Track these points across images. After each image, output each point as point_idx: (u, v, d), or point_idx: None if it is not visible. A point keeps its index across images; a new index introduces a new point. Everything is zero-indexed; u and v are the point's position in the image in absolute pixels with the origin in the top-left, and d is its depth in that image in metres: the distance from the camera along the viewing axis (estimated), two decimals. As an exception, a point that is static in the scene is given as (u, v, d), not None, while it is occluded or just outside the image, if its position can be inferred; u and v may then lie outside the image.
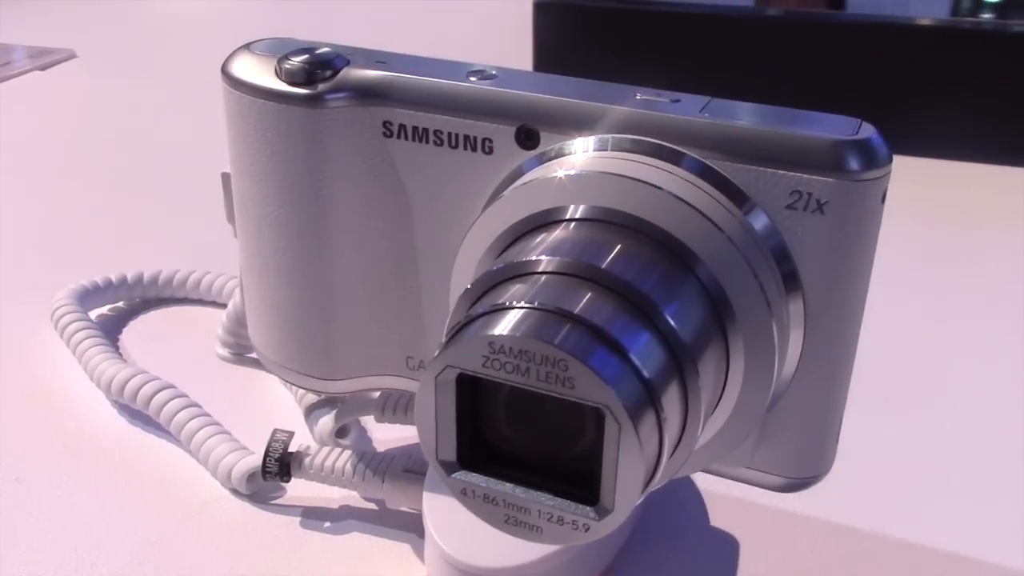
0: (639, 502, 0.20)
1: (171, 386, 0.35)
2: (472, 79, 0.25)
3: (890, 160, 0.22)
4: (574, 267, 0.21)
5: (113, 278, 0.42)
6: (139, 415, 0.35)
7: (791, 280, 0.23)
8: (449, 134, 0.25)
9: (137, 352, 0.40)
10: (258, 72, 0.26)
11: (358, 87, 0.25)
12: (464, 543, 0.27)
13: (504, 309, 0.20)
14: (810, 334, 0.24)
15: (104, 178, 0.57)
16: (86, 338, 0.37)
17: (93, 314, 0.41)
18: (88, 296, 0.40)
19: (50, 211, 0.53)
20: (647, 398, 0.20)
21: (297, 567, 0.30)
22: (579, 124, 0.24)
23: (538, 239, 0.22)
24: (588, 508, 0.20)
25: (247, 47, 0.27)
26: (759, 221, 0.23)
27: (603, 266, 0.21)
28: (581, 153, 0.24)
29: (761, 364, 0.23)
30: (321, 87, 0.25)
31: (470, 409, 0.21)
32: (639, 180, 0.22)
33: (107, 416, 0.36)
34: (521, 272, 0.21)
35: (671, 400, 0.20)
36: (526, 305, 0.20)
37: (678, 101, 0.24)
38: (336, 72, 0.25)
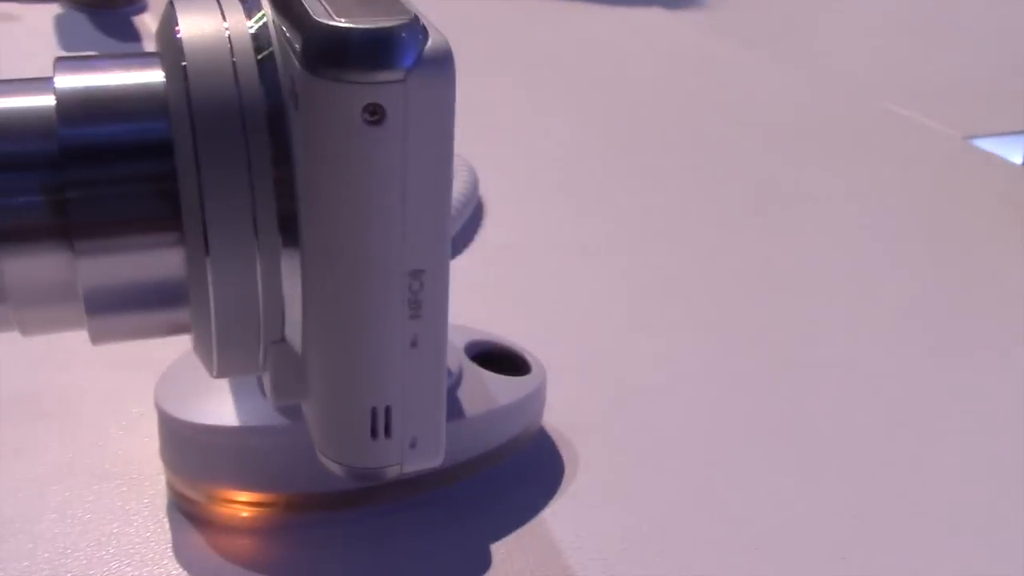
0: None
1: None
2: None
3: (391, 69, 0.17)
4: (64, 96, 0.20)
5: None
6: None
7: (289, 202, 0.19)
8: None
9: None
10: None
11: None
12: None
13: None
14: (306, 272, 0.19)
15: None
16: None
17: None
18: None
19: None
20: None
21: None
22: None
23: None
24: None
25: None
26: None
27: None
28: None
29: (202, 287, 0.19)
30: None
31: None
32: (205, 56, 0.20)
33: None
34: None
35: (40, 253, 0.19)
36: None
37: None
38: None
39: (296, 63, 0.17)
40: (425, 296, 0.19)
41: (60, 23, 0.63)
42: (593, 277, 0.40)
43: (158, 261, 0.20)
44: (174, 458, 0.26)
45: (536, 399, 0.29)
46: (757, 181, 0.49)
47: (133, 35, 0.62)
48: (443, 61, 0.17)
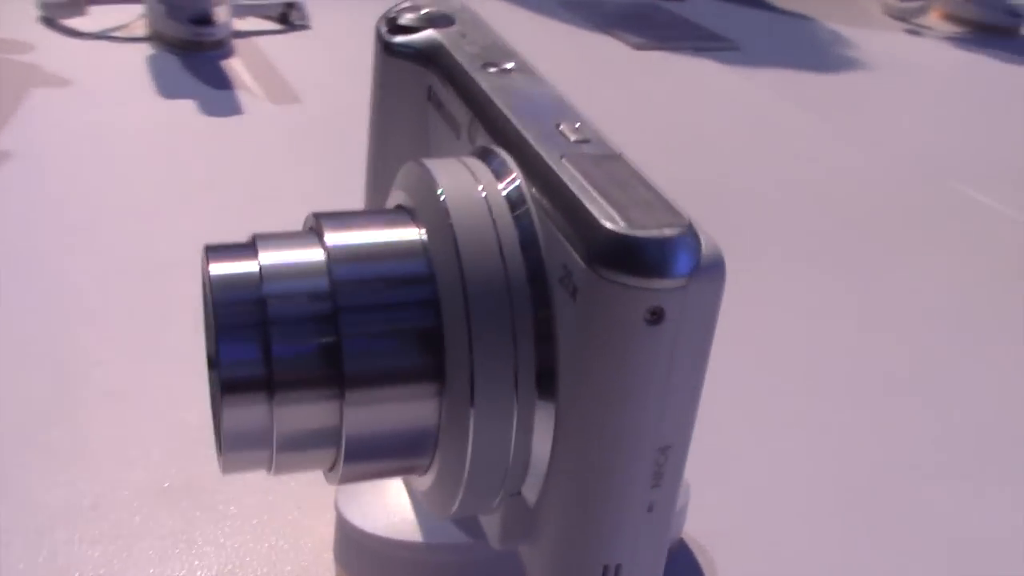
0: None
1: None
2: (490, 70, 0.25)
3: (675, 277, 0.18)
4: (335, 253, 0.21)
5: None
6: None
7: (547, 366, 0.20)
8: (449, 115, 0.25)
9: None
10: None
11: (418, 47, 0.27)
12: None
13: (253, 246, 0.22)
14: (559, 437, 0.20)
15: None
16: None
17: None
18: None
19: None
20: (263, 380, 0.20)
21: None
22: (494, 132, 0.23)
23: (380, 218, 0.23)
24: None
25: None
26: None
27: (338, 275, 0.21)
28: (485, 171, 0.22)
29: (459, 435, 0.20)
30: (397, 39, 0.27)
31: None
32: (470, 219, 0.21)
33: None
34: (315, 228, 0.22)
35: (310, 401, 0.20)
36: (263, 248, 0.21)
37: (585, 142, 0.21)
38: (420, 30, 0.27)
39: (575, 256, 0.19)
40: (667, 468, 0.20)
41: (153, 64, 0.64)
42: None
43: (416, 411, 0.21)
44: (350, 562, 0.28)
45: (679, 514, 0.31)
46: (808, 252, 0.50)
47: (222, 80, 0.63)
48: (718, 267, 0.19)
